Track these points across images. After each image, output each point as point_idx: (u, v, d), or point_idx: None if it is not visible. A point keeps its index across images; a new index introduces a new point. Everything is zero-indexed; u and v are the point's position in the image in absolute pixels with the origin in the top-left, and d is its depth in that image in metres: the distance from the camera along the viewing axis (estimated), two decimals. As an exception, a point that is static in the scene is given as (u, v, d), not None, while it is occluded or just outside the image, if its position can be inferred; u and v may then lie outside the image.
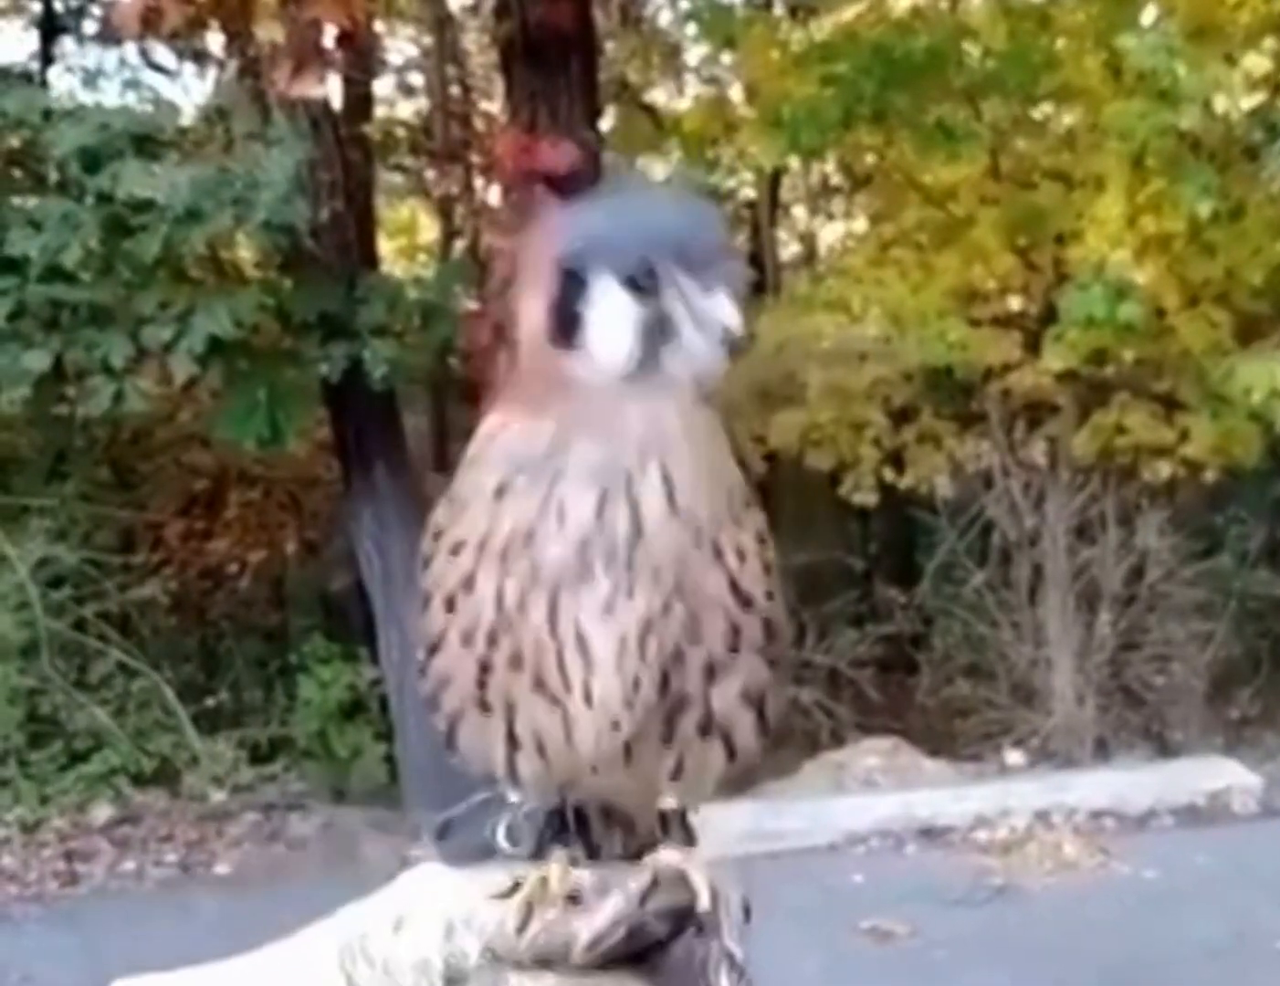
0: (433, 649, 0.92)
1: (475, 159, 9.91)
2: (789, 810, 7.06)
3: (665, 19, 10.91)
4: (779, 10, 9.60)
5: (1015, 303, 8.62)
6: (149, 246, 6.85)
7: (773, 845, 6.41)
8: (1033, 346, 8.04)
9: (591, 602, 0.86)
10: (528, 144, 7.21)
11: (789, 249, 11.80)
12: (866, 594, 10.01)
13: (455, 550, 0.90)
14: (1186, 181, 6.93)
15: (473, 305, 8.69)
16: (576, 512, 0.85)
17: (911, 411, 8.79)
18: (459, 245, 10.89)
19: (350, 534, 8.53)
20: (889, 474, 8.66)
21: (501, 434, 0.89)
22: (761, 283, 11.19)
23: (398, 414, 8.49)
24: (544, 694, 0.88)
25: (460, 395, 10.52)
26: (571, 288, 0.86)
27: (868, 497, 8.71)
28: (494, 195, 9.74)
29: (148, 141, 7.15)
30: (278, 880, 6.81)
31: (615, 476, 0.85)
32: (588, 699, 0.88)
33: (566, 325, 0.86)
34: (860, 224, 10.93)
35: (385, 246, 10.42)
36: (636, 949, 0.87)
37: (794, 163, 8.90)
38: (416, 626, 0.94)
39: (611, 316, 0.85)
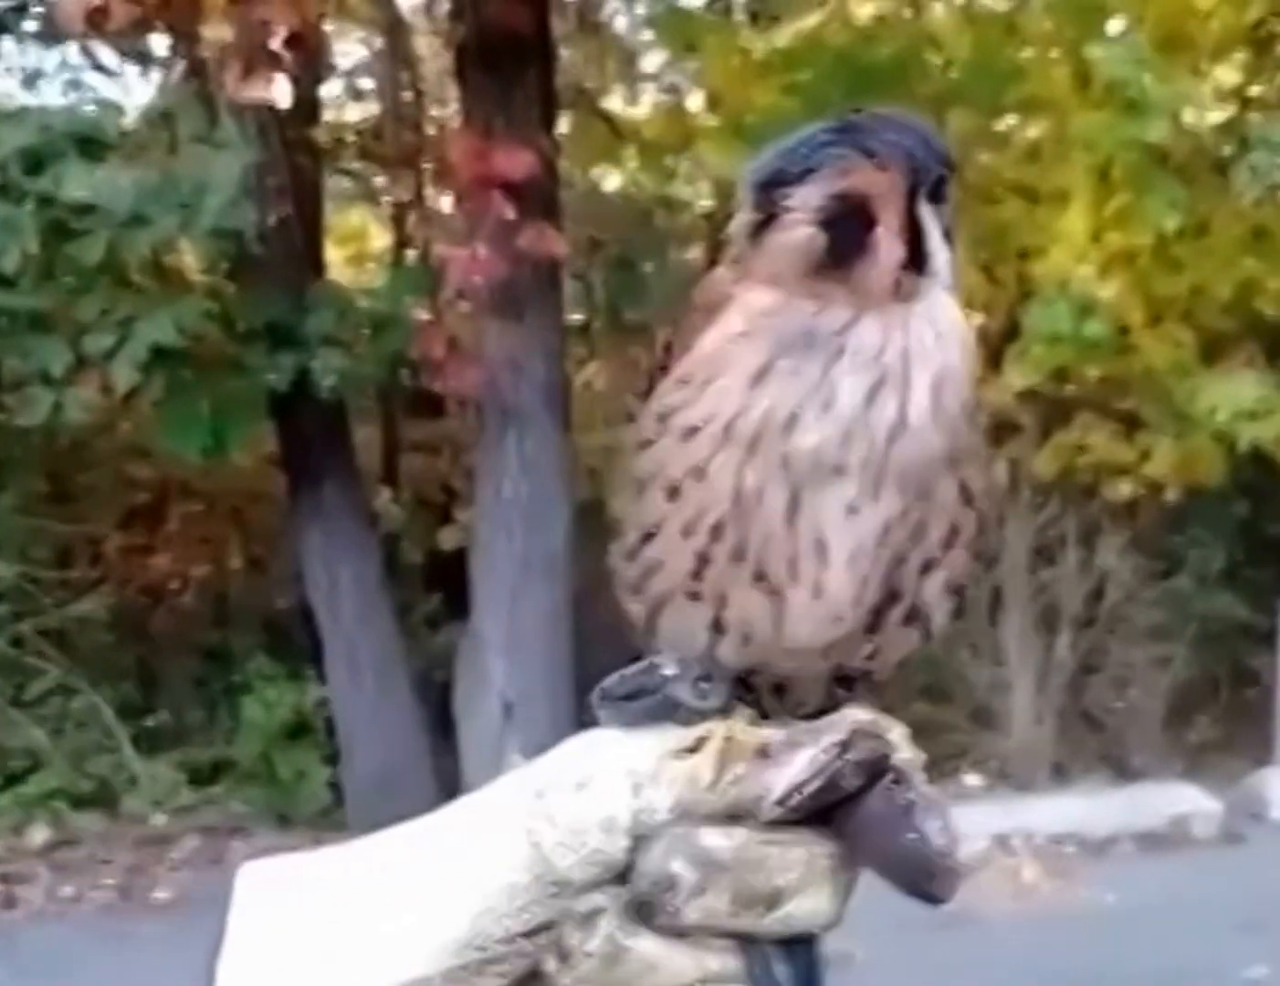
0: (646, 536, 0.89)
1: (427, 165, 9.79)
2: (745, 835, 6.95)
3: (622, 24, 10.82)
4: (739, 17, 9.52)
5: (977, 318, 8.58)
6: (91, 251, 6.69)
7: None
8: (995, 363, 7.99)
9: (836, 502, 0.84)
10: (482, 150, 7.08)
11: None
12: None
13: (688, 434, 0.85)
14: (1153, 195, 6.92)
15: (425, 315, 8.55)
16: (847, 398, 0.83)
17: (870, 428, 8.71)
18: (410, 253, 10.76)
19: (296, 550, 8.37)
20: (850, 491, 8.58)
21: (781, 309, 0.85)
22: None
23: (347, 426, 8.34)
24: (763, 586, 0.86)
25: (411, 408, 10.38)
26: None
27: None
28: (446, 202, 9.61)
29: (91, 143, 6.96)
30: (220, 906, 6.65)
31: (893, 364, 0.83)
32: (815, 594, 0.86)
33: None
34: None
35: (334, 254, 10.28)
36: (829, 803, 0.86)
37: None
38: (624, 513, 0.91)
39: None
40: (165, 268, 7.55)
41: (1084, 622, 8.50)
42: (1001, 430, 8.39)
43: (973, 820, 7.30)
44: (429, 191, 10.13)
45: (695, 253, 11.80)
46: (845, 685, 0.94)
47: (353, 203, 11.56)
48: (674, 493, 0.87)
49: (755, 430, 0.84)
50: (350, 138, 10.01)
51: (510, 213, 6.86)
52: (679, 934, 0.87)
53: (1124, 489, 8.08)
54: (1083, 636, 8.50)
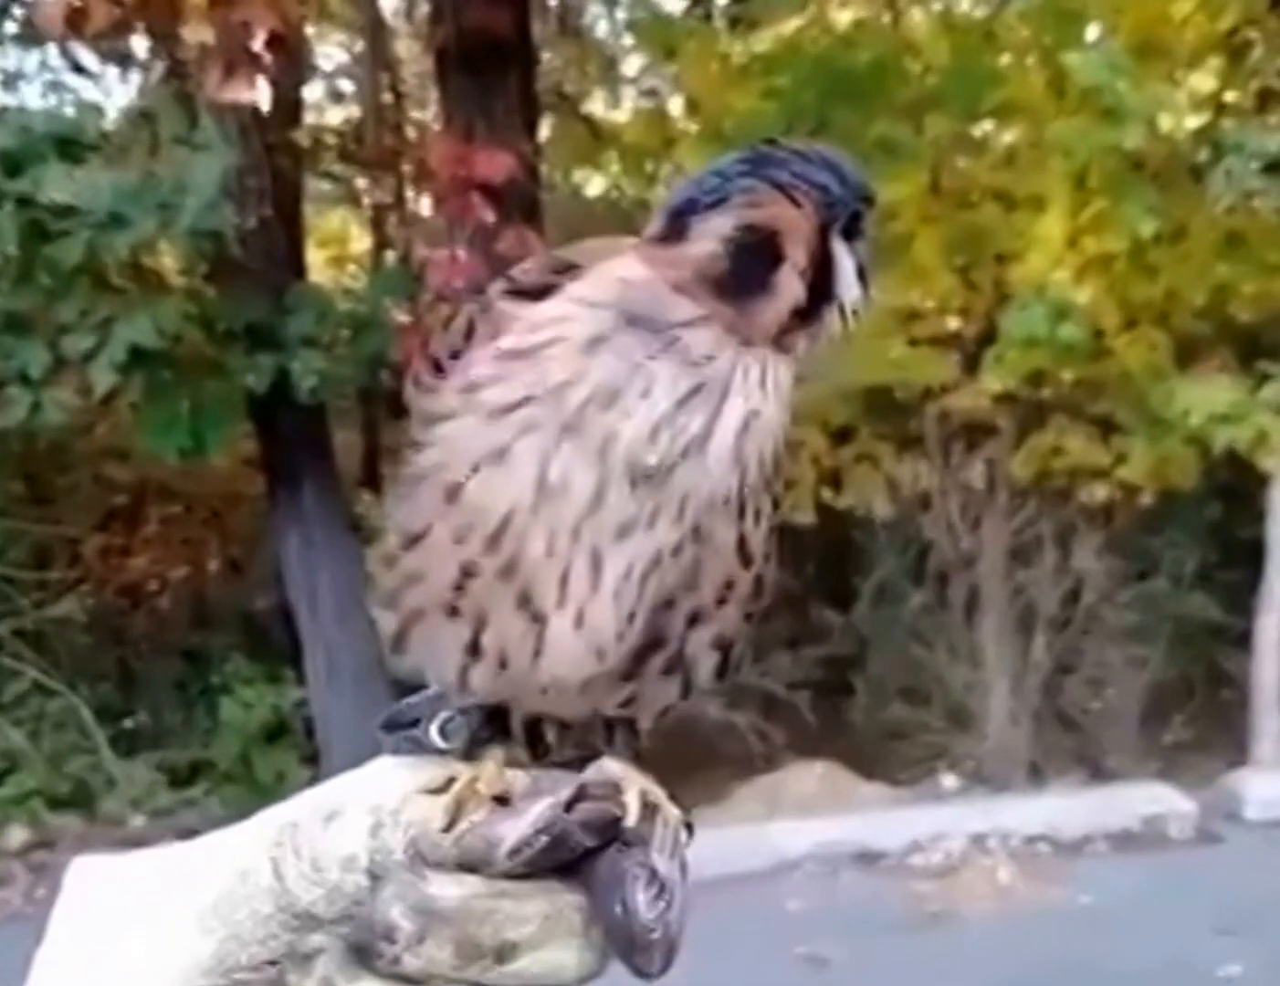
0: (410, 542, 0.86)
1: (408, 168, 9.78)
2: (721, 834, 6.97)
3: (603, 28, 10.83)
4: (719, 22, 9.53)
5: (954, 323, 8.62)
6: (70, 253, 6.67)
7: (705, 870, 6.30)
8: (971, 367, 8.03)
9: (609, 519, 0.81)
10: (462, 153, 7.08)
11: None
12: (803, 615, 9.95)
13: (497, 412, 0.81)
14: (1129, 201, 6.95)
15: (405, 317, 8.55)
16: (661, 392, 0.80)
17: (849, 431, 8.75)
18: (390, 256, 10.75)
19: (275, 552, 8.36)
20: (827, 494, 8.61)
21: (640, 285, 0.83)
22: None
23: (326, 428, 8.33)
24: (527, 610, 0.83)
25: (392, 410, 10.36)
26: None
27: (805, 517, 8.64)
28: (427, 205, 9.61)
29: (70, 145, 6.95)
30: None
31: (714, 379, 0.81)
32: (578, 623, 0.83)
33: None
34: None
35: (314, 256, 10.26)
36: (563, 859, 0.83)
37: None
38: (391, 514, 0.88)
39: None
40: (145, 269, 7.53)
41: (1060, 624, 8.53)
42: (978, 432, 8.44)
43: (949, 821, 7.34)
44: (409, 194, 10.13)
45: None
46: (608, 736, 0.92)
47: (334, 205, 11.54)
48: (453, 494, 0.83)
49: (581, 401, 0.80)
50: (331, 140, 9.99)
51: (490, 216, 6.87)
52: (402, 979, 0.85)
53: (1100, 491, 8.12)
54: (1059, 637, 8.54)
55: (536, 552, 0.82)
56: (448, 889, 0.83)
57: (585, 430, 0.80)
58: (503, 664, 0.86)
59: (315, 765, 8.25)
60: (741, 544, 0.85)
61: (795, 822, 7.36)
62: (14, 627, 8.41)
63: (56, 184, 6.64)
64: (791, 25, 7.31)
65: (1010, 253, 7.55)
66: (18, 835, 7.71)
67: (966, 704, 8.47)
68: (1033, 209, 7.35)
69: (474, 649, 0.86)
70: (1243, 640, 8.63)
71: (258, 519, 9.11)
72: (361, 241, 11.63)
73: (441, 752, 0.93)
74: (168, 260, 7.91)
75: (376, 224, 11.02)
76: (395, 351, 7.84)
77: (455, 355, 0.86)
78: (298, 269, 8.49)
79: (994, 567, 8.41)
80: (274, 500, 8.21)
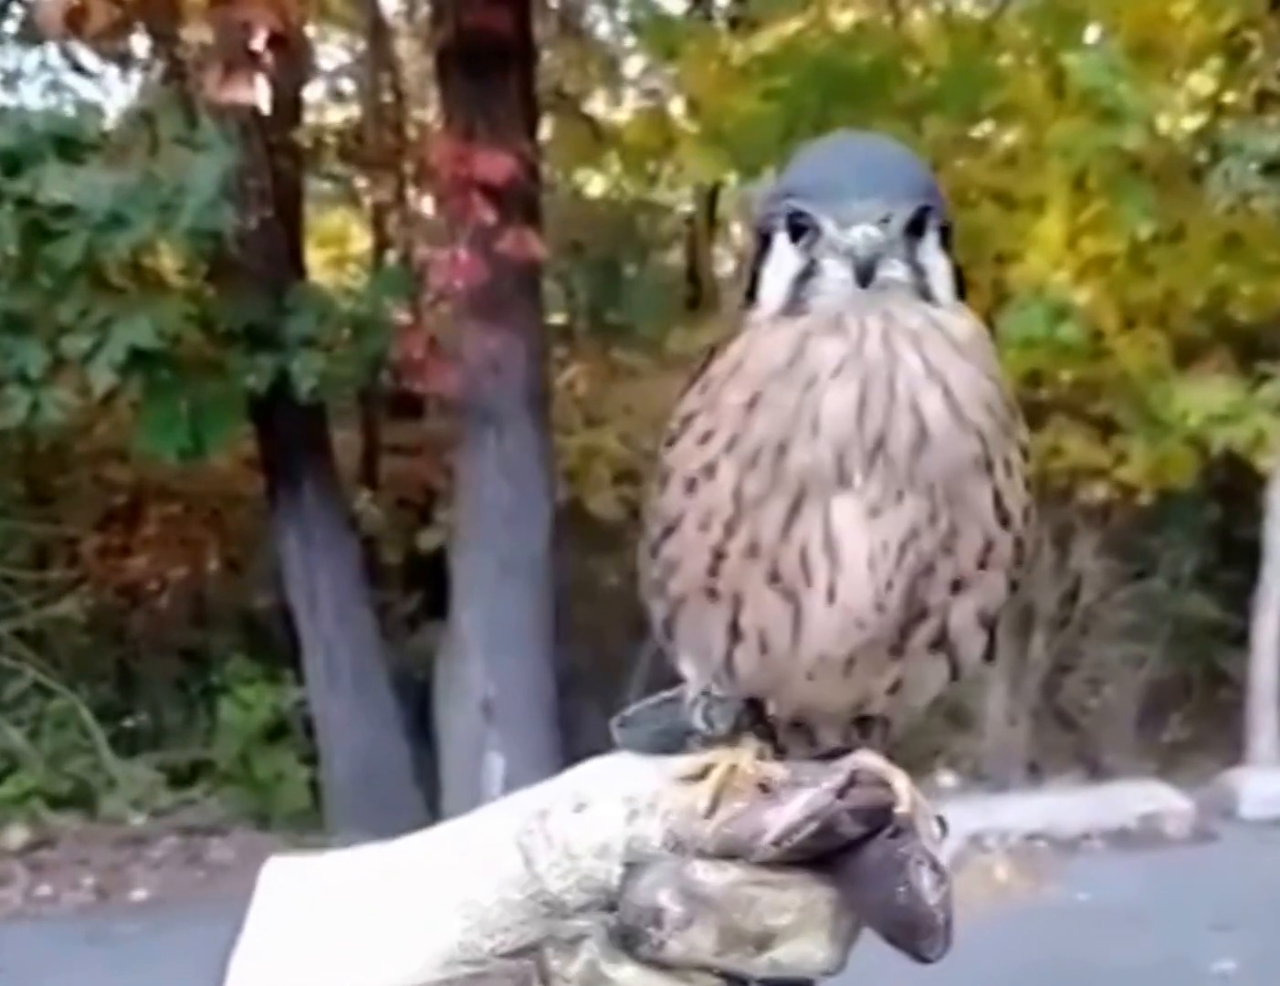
0: (667, 530, 0.90)
1: (408, 168, 9.78)
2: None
3: (604, 29, 10.83)
4: (720, 23, 9.53)
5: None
6: (69, 253, 6.65)
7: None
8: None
9: (854, 506, 0.84)
10: (463, 153, 7.07)
11: (727, 265, 11.76)
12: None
13: (703, 439, 0.88)
14: (1127, 202, 6.94)
15: (405, 318, 8.55)
16: (831, 419, 0.83)
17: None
18: (391, 256, 10.75)
19: (275, 552, 8.35)
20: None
21: (747, 348, 0.87)
22: (698, 298, 11.15)
23: (326, 428, 8.33)
24: (778, 588, 0.86)
25: (391, 410, 10.37)
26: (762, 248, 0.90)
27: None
28: (427, 205, 9.61)
29: (70, 145, 6.93)
30: (198, 906, 6.65)
31: (870, 375, 0.83)
32: (830, 597, 0.85)
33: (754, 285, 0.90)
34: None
35: (315, 256, 10.24)
36: (825, 849, 0.85)
37: (734, 178, 8.83)
38: (651, 508, 0.92)
39: (777, 267, 0.88)
40: (144, 269, 7.53)
41: (1059, 623, 8.54)
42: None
43: (947, 819, 7.35)
44: (410, 194, 10.13)
45: (676, 256, 11.85)
46: (861, 730, 0.94)
47: (334, 205, 11.53)
48: (691, 486, 0.88)
49: (753, 451, 0.85)
50: (332, 140, 9.98)
51: (490, 216, 6.87)
52: (662, 966, 0.86)
53: (1099, 491, 8.12)
54: (1057, 637, 8.55)
55: (768, 537, 0.85)
56: (712, 875, 0.85)
57: (763, 466, 0.85)
58: (764, 645, 0.88)
59: (315, 765, 8.26)
60: (997, 500, 0.87)
61: (794, 822, 7.36)
62: (14, 628, 8.41)
63: (56, 184, 6.62)
64: (792, 26, 7.29)
65: (1010, 253, 7.54)
66: (18, 834, 7.71)
67: (965, 702, 8.47)
68: (1032, 209, 7.34)
69: (735, 630, 0.88)
70: (1240, 640, 8.64)
71: (257, 519, 9.10)
72: (362, 241, 11.63)
73: (702, 737, 0.94)
74: (168, 261, 7.91)
75: (377, 224, 11.01)
76: (395, 351, 7.85)
77: (702, 369, 0.92)
78: (298, 269, 8.48)
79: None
80: (273, 500, 8.21)
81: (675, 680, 0.98)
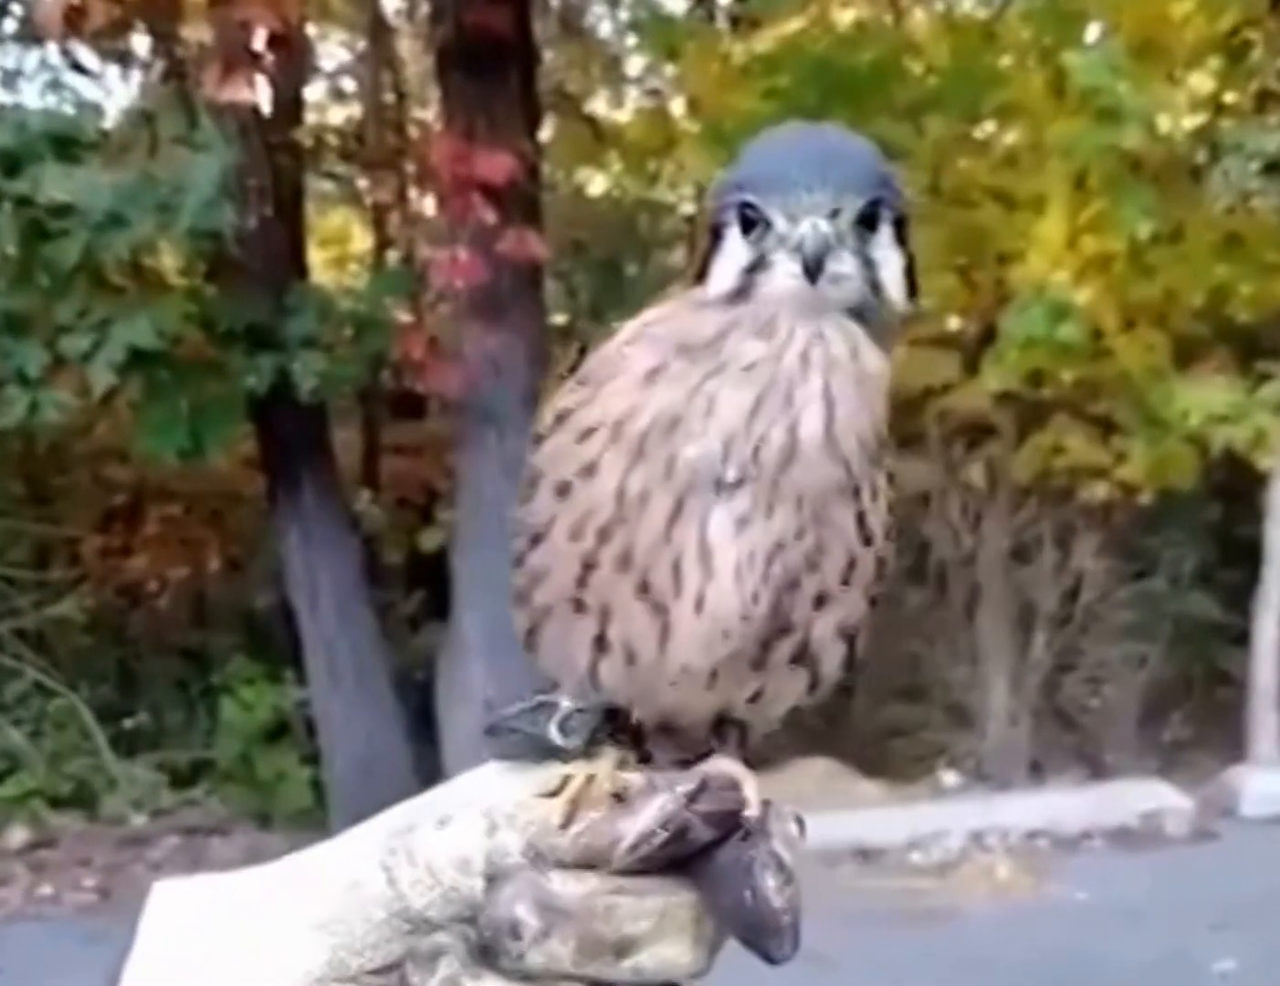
0: (534, 539, 0.89)
1: (409, 167, 9.78)
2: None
3: (606, 29, 10.83)
4: (721, 22, 9.53)
5: (955, 322, 8.62)
6: (68, 253, 6.65)
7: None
8: (972, 367, 8.03)
9: (726, 514, 0.84)
10: (464, 152, 7.07)
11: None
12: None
13: (582, 436, 0.87)
14: (1127, 202, 6.94)
15: (406, 317, 8.55)
16: (728, 410, 0.83)
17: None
18: (392, 255, 10.75)
19: (275, 551, 8.35)
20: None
21: (666, 318, 0.87)
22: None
23: (327, 428, 8.32)
24: (647, 599, 0.86)
25: (392, 410, 10.37)
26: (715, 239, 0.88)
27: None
28: (428, 204, 9.61)
29: (69, 144, 6.93)
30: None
31: (775, 383, 0.83)
32: (698, 607, 0.86)
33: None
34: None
35: (316, 256, 10.24)
36: (681, 854, 0.86)
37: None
38: (517, 516, 0.91)
39: (728, 260, 0.86)
40: (144, 269, 7.52)
41: (1059, 622, 8.55)
42: (979, 432, 8.45)
43: (948, 818, 7.35)
44: (411, 193, 10.13)
45: (678, 255, 11.84)
46: (719, 734, 0.94)
47: (335, 204, 11.53)
48: (564, 491, 0.87)
49: (642, 430, 0.84)
50: (333, 139, 9.99)
51: (490, 216, 6.87)
52: (524, 977, 0.86)
53: (1099, 491, 8.12)
54: (1058, 636, 8.55)
55: (645, 544, 0.85)
56: (569, 886, 0.85)
57: (650, 454, 0.84)
58: (630, 657, 0.88)
59: (315, 764, 8.25)
60: (861, 521, 0.88)
61: (795, 820, 7.36)
62: (14, 628, 8.40)
63: (55, 184, 6.62)
64: (793, 26, 7.30)
65: (1011, 252, 7.55)
66: (18, 834, 7.71)
67: (966, 702, 8.49)
68: (1033, 209, 7.34)
69: (601, 642, 0.88)
70: (1241, 639, 8.64)
71: (258, 518, 9.10)
72: (363, 241, 11.63)
73: (559, 750, 0.93)
74: (168, 260, 7.90)
75: (378, 223, 11.01)
76: (396, 351, 7.84)
77: (575, 368, 0.92)
78: (300, 269, 8.48)
79: (994, 566, 8.42)
80: (274, 500, 8.20)
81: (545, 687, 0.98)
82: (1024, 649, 8.49)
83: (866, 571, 0.89)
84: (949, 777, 8.30)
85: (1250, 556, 8.44)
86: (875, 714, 8.89)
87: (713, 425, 0.83)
